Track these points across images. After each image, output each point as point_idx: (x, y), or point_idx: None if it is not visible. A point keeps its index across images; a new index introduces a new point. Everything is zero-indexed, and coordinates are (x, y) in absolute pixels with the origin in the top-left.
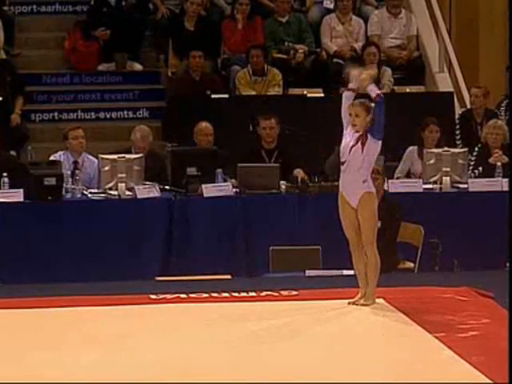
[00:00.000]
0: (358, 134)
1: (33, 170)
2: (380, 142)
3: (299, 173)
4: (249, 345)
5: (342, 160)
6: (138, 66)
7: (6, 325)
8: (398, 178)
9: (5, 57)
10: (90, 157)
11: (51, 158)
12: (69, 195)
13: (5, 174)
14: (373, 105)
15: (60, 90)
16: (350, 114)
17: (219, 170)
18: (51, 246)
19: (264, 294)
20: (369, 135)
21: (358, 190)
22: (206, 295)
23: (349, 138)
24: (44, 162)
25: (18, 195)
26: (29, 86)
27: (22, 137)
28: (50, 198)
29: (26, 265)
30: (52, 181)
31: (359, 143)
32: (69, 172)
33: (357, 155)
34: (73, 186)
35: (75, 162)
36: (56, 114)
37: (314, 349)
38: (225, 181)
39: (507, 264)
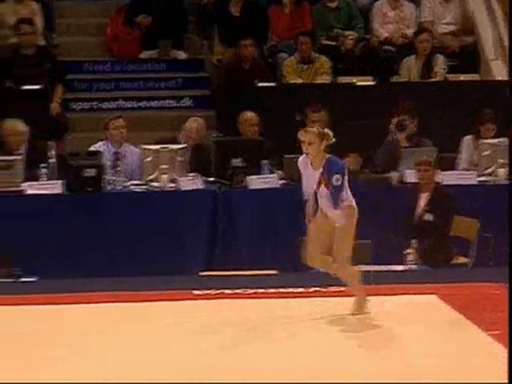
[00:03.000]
0: (317, 175)
1: (72, 161)
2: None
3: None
4: (295, 340)
5: (311, 192)
6: (181, 54)
7: (52, 320)
8: (463, 169)
9: (44, 43)
10: (132, 147)
11: (92, 148)
12: (110, 187)
13: (43, 165)
14: (326, 131)
15: (101, 78)
16: (303, 142)
17: (265, 161)
18: (92, 239)
19: (312, 290)
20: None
21: (336, 208)
22: (252, 291)
23: (310, 176)
24: (84, 153)
25: (57, 187)
26: (69, 73)
27: (61, 126)
28: (89, 189)
29: (65, 258)
30: (92, 172)
31: (322, 185)
32: (109, 163)
33: (325, 193)
34: (114, 178)
35: (116, 153)
36: (97, 103)
37: (359, 344)
38: (271, 172)
39: None
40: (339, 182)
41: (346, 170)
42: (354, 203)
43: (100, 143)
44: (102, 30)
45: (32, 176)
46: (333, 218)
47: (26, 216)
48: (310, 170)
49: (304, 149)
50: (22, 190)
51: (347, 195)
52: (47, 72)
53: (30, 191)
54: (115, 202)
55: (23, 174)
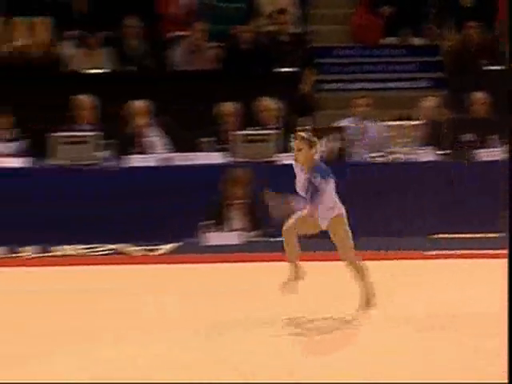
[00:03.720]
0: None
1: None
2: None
3: None
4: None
5: (303, 196)
6: (418, 40)
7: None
8: None
9: (299, 31)
10: (374, 123)
11: (339, 123)
12: (354, 158)
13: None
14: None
15: (348, 62)
16: (294, 148)
17: (494, 137)
18: None
19: None
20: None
21: (325, 215)
22: (473, 252)
23: (302, 179)
24: (330, 128)
25: None
26: (320, 58)
27: (311, 105)
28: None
29: None
30: (337, 145)
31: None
32: (354, 137)
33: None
34: (357, 150)
35: (360, 128)
36: (343, 84)
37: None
38: (499, 147)
39: None
40: (317, 183)
41: (332, 179)
42: (343, 211)
43: (346, 119)
44: (348, 19)
45: (284, 148)
46: (319, 218)
47: (277, 182)
48: (302, 173)
49: (294, 155)
50: (274, 161)
51: (335, 202)
52: (299, 57)
53: (284, 161)
54: (359, 171)
55: (277, 145)
